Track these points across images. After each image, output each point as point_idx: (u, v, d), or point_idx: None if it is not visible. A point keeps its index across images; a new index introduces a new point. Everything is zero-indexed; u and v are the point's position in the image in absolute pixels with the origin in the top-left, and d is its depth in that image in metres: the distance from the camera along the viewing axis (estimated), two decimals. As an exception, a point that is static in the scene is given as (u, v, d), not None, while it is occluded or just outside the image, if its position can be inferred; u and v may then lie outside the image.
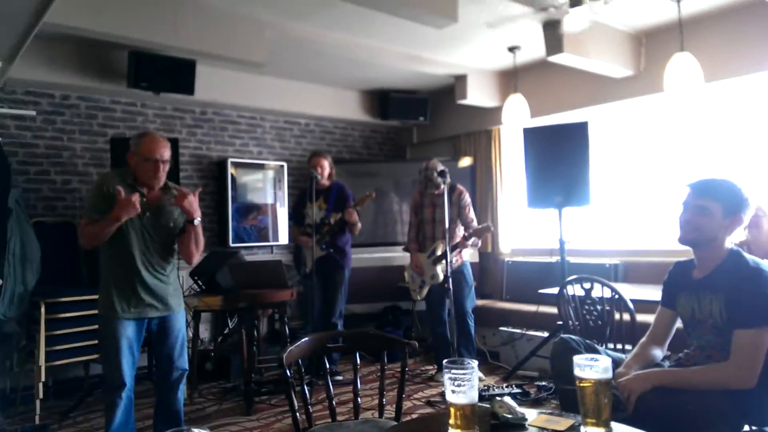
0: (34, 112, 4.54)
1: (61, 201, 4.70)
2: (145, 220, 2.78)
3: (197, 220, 2.84)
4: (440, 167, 4.24)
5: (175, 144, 4.85)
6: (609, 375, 1.48)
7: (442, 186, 4.20)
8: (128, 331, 2.75)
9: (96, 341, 4.02)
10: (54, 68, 4.35)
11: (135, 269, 2.76)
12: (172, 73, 4.51)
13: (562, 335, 2.49)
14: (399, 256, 5.79)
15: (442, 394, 4.12)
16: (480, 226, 4.27)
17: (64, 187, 4.70)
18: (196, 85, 4.64)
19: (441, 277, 4.29)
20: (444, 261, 4.08)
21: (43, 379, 3.79)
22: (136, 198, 2.65)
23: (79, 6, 3.46)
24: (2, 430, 3.54)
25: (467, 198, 4.46)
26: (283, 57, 4.82)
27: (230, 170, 5.38)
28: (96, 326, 3.98)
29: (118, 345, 2.72)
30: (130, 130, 5.00)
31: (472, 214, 4.45)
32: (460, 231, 4.40)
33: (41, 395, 3.78)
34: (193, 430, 0.98)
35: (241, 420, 3.77)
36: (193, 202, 2.81)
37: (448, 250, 3.84)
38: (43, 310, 3.80)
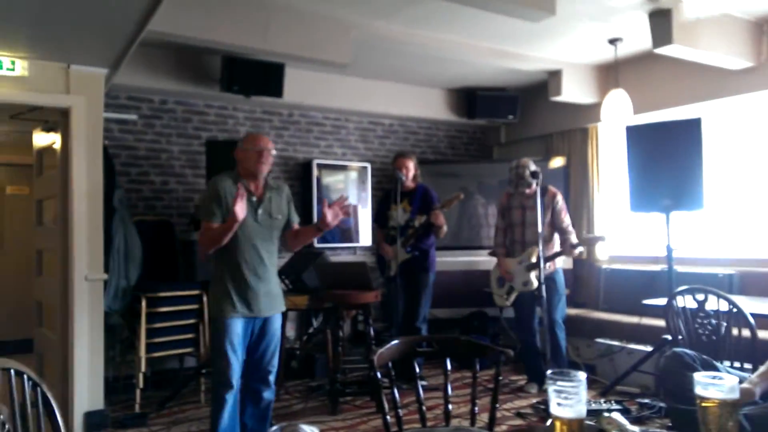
0: (135, 116, 4.80)
1: (159, 201, 4.92)
2: (258, 216, 2.86)
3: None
4: (532, 166, 4.06)
5: (264, 146, 4.98)
6: (736, 395, 1.30)
7: (534, 186, 4.01)
8: (237, 328, 2.81)
9: (191, 335, 4.19)
10: (153, 74, 4.56)
11: (247, 267, 2.83)
12: (262, 77, 4.61)
13: (674, 349, 2.26)
14: (484, 260, 5.60)
15: (533, 406, 3.97)
16: (593, 236, 4.05)
17: (163, 187, 4.92)
18: (284, 87, 4.72)
19: (535, 284, 4.07)
20: (538, 268, 3.91)
21: (143, 369, 3.97)
22: (239, 206, 2.64)
23: (176, 13, 3.59)
24: (106, 415, 3.72)
25: (561, 201, 4.24)
26: (367, 57, 4.80)
27: (315, 171, 5.42)
28: (191, 321, 4.18)
29: (230, 343, 2.78)
30: (222, 133, 5.16)
31: (567, 219, 4.23)
32: (555, 238, 4.19)
33: (141, 385, 3.95)
34: (302, 426, 0.92)
35: (327, 419, 3.77)
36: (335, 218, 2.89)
37: (541, 255, 3.64)
38: (144, 304, 3.97)
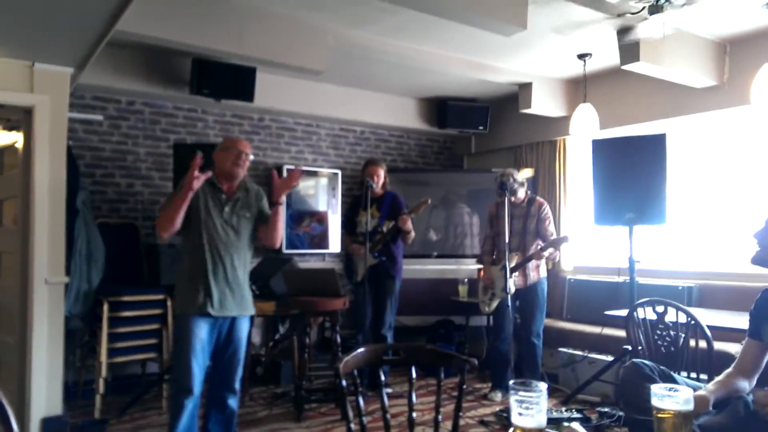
0: (101, 117, 4.70)
1: (124, 203, 4.83)
2: (224, 215, 2.86)
3: (283, 199, 2.90)
4: (518, 175, 4.21)
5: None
6: (690, 407, 1.35)
7: (521, 195, 4.14)
8: (202, 332, 2.77)
9: (154, 340, 4.12)
10: (120, 75, 4.48)
11: (213, 264, 2.81)
12: (233, 80, 4.58)
13: (633, 360, 2.32)
14: (452, 268, 5.67)
15: (496, 414, 4.01)
16: (557, 237, 4.13)
17: (128, 190, 4.83)
18: (256, 92, 4.69)
19: (513, 289, 4.13)
20: (516, 273, 4.10)
21: (103, 374, 3.88)
22: (195, 171, 2.66)
23: (146, 14, 3.54)
24: (65, 421, 3.61)
25: (548, 210, 4.35)
26: (341, 64, 4.81)
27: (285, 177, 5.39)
28: (155, 326, 4.11)
29: (191, 346, 2.75)
30: (191, 136, 5.10)
31: (551, 228, 4.32)
32: (530, 245, 4.28)
33: (102, 390, 3.86)
34: None
35: (291, 426, 3.76)
36: (284, 185, 2.87)
37: (507, 265, 3.70)
38: (105, 308, 3.89)
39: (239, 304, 2.88)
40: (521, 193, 4.33)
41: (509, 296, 4.02)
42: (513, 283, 4.15)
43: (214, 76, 4.48)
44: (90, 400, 3.97)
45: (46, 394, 3.57)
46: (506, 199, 4.07)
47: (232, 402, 2.90)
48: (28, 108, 3.60)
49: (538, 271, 4.33)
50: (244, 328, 2.93)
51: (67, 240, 3.75)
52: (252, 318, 4.24)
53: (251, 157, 2.97)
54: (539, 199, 4.39)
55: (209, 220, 2.83)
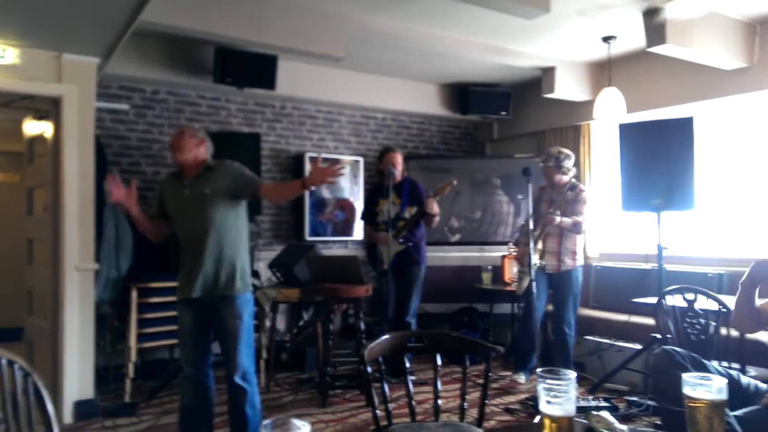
0: (127, 106, 4.76)
1: (150, 191, 4.88)
2: (185, 196, 2.85)
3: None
4: (568, 155, 4.24)
5: (256, 138, 4.95)
6: (723, 396, 1.32)
7: (564, 177, 4.16)
8: (184, 315, 2.84)
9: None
10: (146, 64, 4.52)
11: (186, 249, 2.85)
12: (255, 69, 4.59)
13: (664, 347, 2.28)
14: (476, 255, 5.64)
15: (521, 402, 4.00)
16: (577, 220, 4.13)
17: (154, 177, 4.90)
18: (277, 80, 4.70)
19: (536, 260, 4.08)
20: (539, 245, 4.10)
21: (133, 359, 3.96)
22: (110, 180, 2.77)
23: (170, 4, 3.56)
24: (96, 405, 3.72)
25: (584, 196, 4.28)
26: (362, 51, 4.79)
27: (307, 165, 5.41)
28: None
29: (181, 329, 2.87)
30: (215, 125, 5.14)
31: (583, 210, 4.23)
32: (569, 236, 4.26)
33: (131, 375, 3.95)
34: (294, 421, 0.93)
35: (317, 412, 3.79)
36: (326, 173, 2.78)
37: (533, 243, 3.66)
38: (134, 294, 3.96)
39: (214, 286, 2.78)
40: (565, 177, 4.27)
41: (532, 270, 3.96)
42: (538, 259, 4.11)
43: (236, 64, 4.49)
44: (120, 384, 4.07)
45: (78, 377, 3.67)
46: (529, 184, 4.02)
47: (238, 379, 2.79)
48: (56, 98, 3.67)
49: (574, 259, 4.27)
50: (231, 308, 2.79)
51: (96, 227, 3.83)
52: (277, 305, 4.36)
53: (188, 133, 2.88)
54: (580, 186, 4.33)
55: (176, 210, 2.89)
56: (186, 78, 4.70)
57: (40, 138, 4.13)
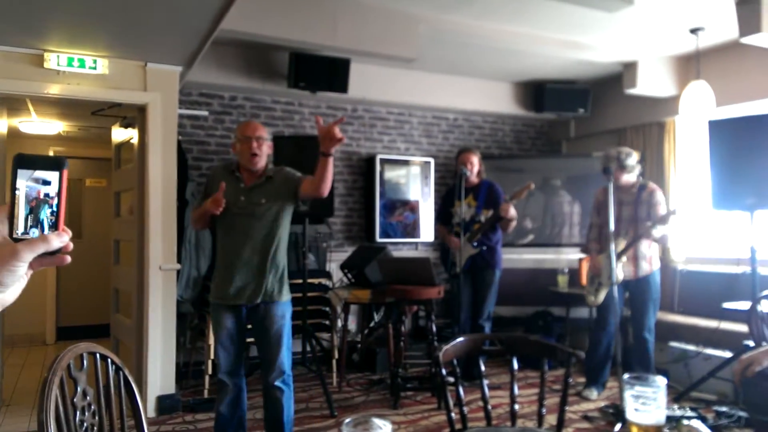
0: (206, 113, 4.96)
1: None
2: (240, 204, 2.80)
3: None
4: (628, 155, 3.95)
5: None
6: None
7: (631, 179, 3.91)
8: (226, 320, 2.80)
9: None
10: (223, 71, 4.69)
11: (233, 254, 2.80)
12: (328, 73, 4.65)
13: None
14: (551, 258, 5.47)
15: (600, 409, 3.82)
16: (664, 213, 3.82)
17: (205, 183, 5.05)
18: (349, 82, 4.74)
19: (621, 275, 3.87)
20: (625, 259, 3.84)
21: (212, 356, 4.09)
22: (220, 195, 2.70)
23: (246, 12, 3.67)
24: (178, 400, 3.88)
25: (659, 196, 3.98)
26: (433, 51, 4.75)
27: (378, 167, 5.44)
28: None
29: (218, 336, 2.84)
30: (289, 129, 5.26)
31: (660, 212, 3.95)
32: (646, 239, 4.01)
33: (210, 371, 4.08)
34: (374, 420, 0.92)
35: (388, 413, 3.78)
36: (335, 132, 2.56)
37: (614, 250, 3.48)
38: (212, 293, 4.09)
39: (261, 292, 2.78)
40: (632, 177, 4.01)
41: (615, 285, 3.78)
42: (621, 270, 3.88)
43: (310, 69, 4.57)
44: (199, 381, 4.23)
45: (161, 373, 3.84)
46: (610, 183, 3.81)
47: (279, 383, 2.82)
48: (142, 106, 3.86)
49: (651, 262, 4.01)
50: (269, 314, 2.80)
51: (178, 229, 4.00)
52: (348, 306, 4.39)
53: (268, 136, 2.84)
54: (651, 185, 4.05)
55: (227, 212, 2.78)
56: (261, 84, 4.83)
57: (126, 144, 4.36)
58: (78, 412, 1.34)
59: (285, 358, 2.83)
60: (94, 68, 3.64)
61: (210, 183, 2.94)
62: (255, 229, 2.80)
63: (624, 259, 3.88)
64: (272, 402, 2.85)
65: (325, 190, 2.73)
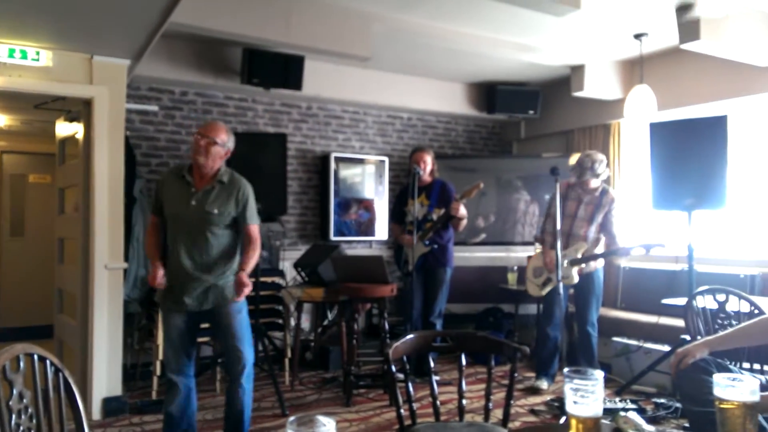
0: (156, 108, 4.84)
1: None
2: (191, 209, 2.74)
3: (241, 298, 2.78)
4: (603, 162, 4.11)
5: (282, 139, 4.98)
6: (756, 398, 1.29)
7: (598, 180, 4.04)
8: (177, 321, 2.79)
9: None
10: (174, 66, 4.59)
11: (179, 260, 2.75)
12: (282, 69, 4.62)
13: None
14: (501, 255, 5.59)
15: (546, 403, 3.94)
16: (620, 247, 4.00)
17: (156, 188, 4.96)
18: (304, 80, 4.72)
19: (575, 279, 4.06)
20: (582, 265, 3.99)
21: (160, 357, 4.00)
22: (159, 275, 2.73)
23: (198, 5, 3.61)
24: (124, 402, 3.79)
25: (616, 209, 4.14)
26: (388, 50, 4.79)
27: (333, 165, 5.43)
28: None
29: (168, 336, 2.82)
30: (242, 125, 5.19)
31: (618, 227, 4.12)
32: (602, 239, 4.18)
33: (158, 372, 4.00)
34: (319, 418, 0.93)
35: (341, 411, 3.79)
36: (244, 285, 2.71)
37: (559, 252, 3.60)
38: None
39: (211, 296, 2.77)
40: (598, 181, 4.17)
41: (562, 284, 3.91)
42: (575, 273, 4.05)
43: (263, 65, 4.53)
44: (147, 382, 4.13)
45: (106, 375, 3.74)
46: (583, 184, 3.95)
47: (240, 379, 2.83)
48: (87, 100, 3.75)
49: (596, 261, 4.19)
50: (225, 317, 2.80)
51: (126, 227, 3.90)
52: (301, 304, 4.37)
53: (223, 143, 2.78)
54: (612, 192, 4.22)
55: (176, 216, 2.78)
56: (214, 79, 4.75)
57: (71, 139, 4.22)
58: (14, 416, 1.30)
59: (247, 351, 2.85)
60: (37, 60, 3.51)
61: (159, 188, 2.90)
62: (204, 236, 2.76)
63: (581, 265, 4.03)
64: (235, 400, 2.85)
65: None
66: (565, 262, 4.05)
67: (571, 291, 4.28)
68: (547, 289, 4.18)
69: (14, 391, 1.32)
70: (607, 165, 4.30)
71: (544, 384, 4.24)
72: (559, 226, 3.86)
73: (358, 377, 4.24)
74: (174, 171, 2.93)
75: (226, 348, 2.85)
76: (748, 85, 4.34)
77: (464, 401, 2.21)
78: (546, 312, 4.29)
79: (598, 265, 4.20)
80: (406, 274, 4.35)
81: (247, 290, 2.72)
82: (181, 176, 2.82)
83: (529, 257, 4.68)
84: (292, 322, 4.48)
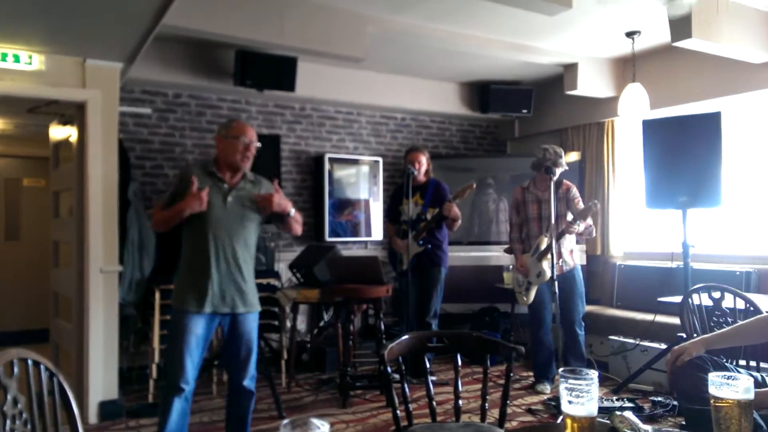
0: (149, 110, 4.83)
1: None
2: (227, 203, 2.68)
3: (292, 212, 2.76)
4: (561, 150, 4.12)
5: (276, 140, 4.98)
6: (750, 396, 1.29)
7: (555, 174, 4.02)
8: (198, 328, 2.63)
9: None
10: (167, 68, 4.58)
11: (210, 260, 2.63)
12: (275, 71, 4.62)
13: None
14: (496, 255, 5.60)
15: (543, 403, 3.95)
16: (584, 207, 3.98)
17: (176, 181, 4.95)
18: (297, 81, 4.72)
19: (548, 273, 3.96)
20: (549, 255, 3.86)
21: (156, 360, 4.00)
22: (204, 193, 2.59)
23: (191, 8, 3.60)
24: (120, 405, 3.77)
25: (575, 191, 4.18)
26: (381, 51, 4.79)
27: (327, 165, 5.43)
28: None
29: (185, 343, 2.60)
30: (236, 126, 5.17)
31: (580, 206, 4.13)
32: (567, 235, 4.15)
33: (155, 375, 3.99)
34: (313, 420, 0.92)
35: (337, 412, 3.79)
36: (281, 201, 2.70)
37: (554, 242, 3.63)
38: (157, 296, 4.00)
39: (242, 300, 2.70)
40: (557, 174, 4.16)
41: (544, 281, 3.92)
42: (547, 266, 3.98)
43: (256, 67, 4.52)
44: (143, 385, 4.12)
45: (102, 378, 3.72)
46: (550, 176, 3.94)
47: (248, 383, 2.78)
48: (80, 103, 3.73)
49: (573, 257, 4.19)
50: (249, 324, 2.75)
51: (120, 230, 3.89)
52: (297, 305, 4.37)
53: (258, 144, 2.76)
54: (566, 182, 4.22)
55: (211, 214, 2.64)
56: (207, 81, 4.74)
57: (65, 143, 4.20)
58: (8, 421, 1.29)
59: (253, 363, 2.81)
60: (30, 64, 3.50)
61: (182, 181, 2.73)
62: (240, 235, 2.69)
63: (549, 256, 3.98)
64: (242, 407, 2.81)
65: (297, 232, 2.90)
66: (534, 259, 4.08)
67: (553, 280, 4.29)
68: (532, 293, 4.17)
69: (8, 396, 1.32)
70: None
71: (546, 388, 4.23)
72: (528, 231, 3.87)
73: (355, 378, 4.24)
74: (200, 166, 2.78)
75: (238, 354, 2.74)
76: (741, 83, 4.35)
77: (461, 401, 2.21)
78: (535, 317, 4.27)
79: (575, 261, 4.20)
80: (401, 274, 4.35)
81: (277, 198, 2.66)
82: (209, 173, 2.72)
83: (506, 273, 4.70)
84: (288, 324, 4.47)
